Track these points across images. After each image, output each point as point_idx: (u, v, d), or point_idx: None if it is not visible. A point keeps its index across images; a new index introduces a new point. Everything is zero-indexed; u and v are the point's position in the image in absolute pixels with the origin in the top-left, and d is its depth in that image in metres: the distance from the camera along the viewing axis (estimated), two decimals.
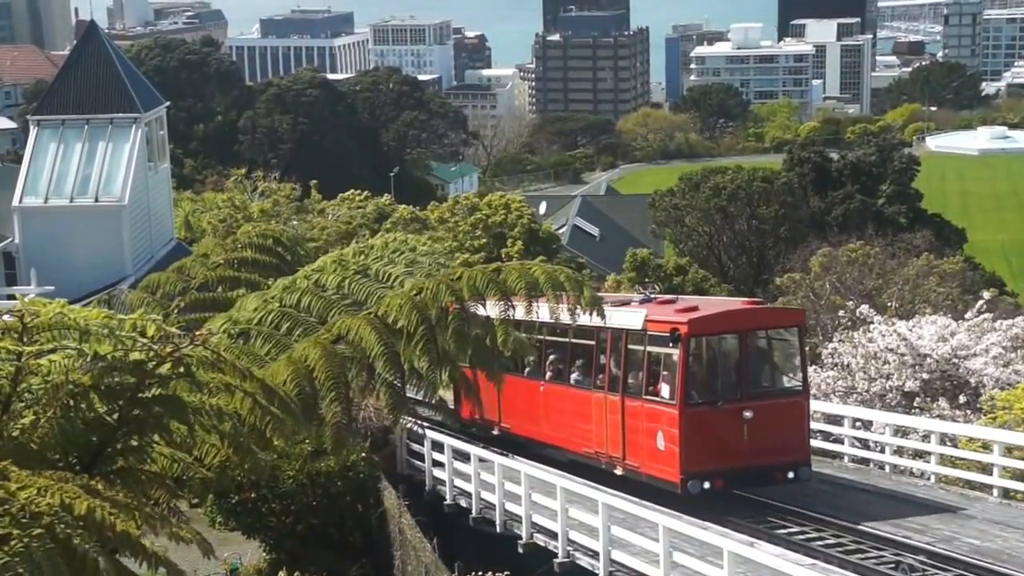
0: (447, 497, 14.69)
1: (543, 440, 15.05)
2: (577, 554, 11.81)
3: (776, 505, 12.35)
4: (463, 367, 15.99)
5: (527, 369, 15.24)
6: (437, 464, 15.05)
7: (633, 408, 13.05)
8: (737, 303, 15.28)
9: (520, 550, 12.66)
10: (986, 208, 78.92)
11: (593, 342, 13.84)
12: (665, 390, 12.60)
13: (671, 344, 12.33)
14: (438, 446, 14.94)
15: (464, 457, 14.33)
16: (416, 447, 15.74)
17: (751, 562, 9.72)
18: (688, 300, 15.25)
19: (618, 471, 13.24)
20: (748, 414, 12.38)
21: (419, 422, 15.17)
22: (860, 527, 11.50)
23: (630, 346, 13.19)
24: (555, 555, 12.00)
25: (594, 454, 13.75)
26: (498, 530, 13.35)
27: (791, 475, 12.58)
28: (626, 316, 13.29)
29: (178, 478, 6.29)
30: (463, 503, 14.41)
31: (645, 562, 10.75)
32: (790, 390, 13.08)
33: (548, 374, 14.90)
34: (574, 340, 14.34)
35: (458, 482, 14.53)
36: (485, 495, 13.81)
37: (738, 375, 12.77)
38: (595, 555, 11.41)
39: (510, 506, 13.16)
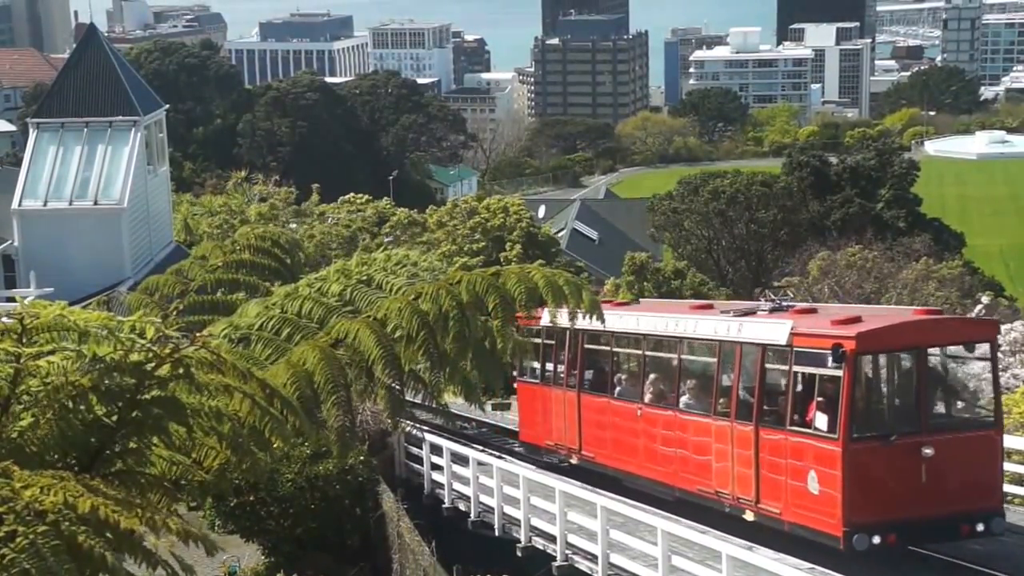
0: (446, 500, 14.65)
1: (640, 474, 12.83)
2: (576, 557, 11.78)
3: (963, 566, 10.04)
4: (524, 381, 15.23)
5: (617, 389, 13.33)
6: (436, 467, 15.03)
7: (773, 441, 10.70)
8: (909, 312, 12.35)
9: (519, 553, 12.64)
10: (984, 212, 79.00)
11: (714, 359, 11.68)
12: (821, 420, 10.19)
13: (832, 363, 9.93)
14: (436, 449, 14.92)
15: (462, 460, 14.31)
16: (414, 450, 15.72)
17: (750, 566, 9.69)
18: (838, 308, 13.12)
19: (748, 516, 11.06)
20: (928, 451, 9.98)
21: (417, 425, 15.16)
22: None
23: (768, 365, 10.93)
24: (554, 558, 11.98)
25: (714, 494, 11.51)
26: (497, 533, 13.32)
27: (980, 527, 10.17)
28: (763, 328, 11.01)
29: (176, 481, 6.29)
30: (462, 506, 14.38)
31: (644, 566, 10.74)
32: (980, 421, 10.69)
33: (649, 396, 12.72)
34: (687, 356, 12.24)
35: (457, 485, 14.50)
36: (484, 498, 13.77)
37: (916, 402, 10.37)
38: (594, 559, 11.39)
39: (509, 509, 13.13)
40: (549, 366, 14.95)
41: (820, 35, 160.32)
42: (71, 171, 23.24)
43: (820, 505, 10.17)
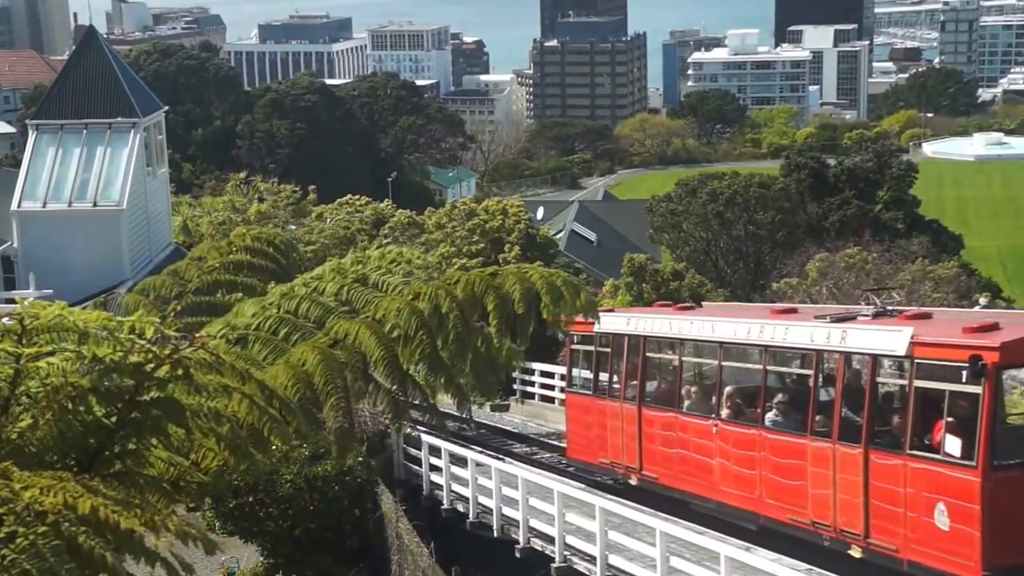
0: (444, 501, 14.65)
1: (714, 498, 11.52)
2: (574, 559, 11.78)
3: None
4: (575, 393, 13.90)
5: (687, 403, 11.99)
6: (434, 468, 15.04)
7: (887, 467, 9.31)
8: None
9: (517, 555, 12.65)
10: (982, 214, 79.11)
11: (809, 371, 10.39)
12: (953, 444, 8.80)
13: (969, 377, 8.60)
14: (435, 450, 14.93)
15: (461, 462, 14.32)
16: (413, 451, 15.73)
17: (748, 567, 9.69)
18: (956, 313, 11.86)
19: (854, 552, 9.69)
20: None
21: (417, 427, 15.15)
22: None
23: (881, 378, 9.68)
24: (552, 560, 11.97)
25: (809, 524, 10.17)
26: (495, 534, 13.30)
27: None
28: (876, 336, 9.62)
29: (175, 482, 6.31)
30: (460, 507, 14.37)
31: (642, 567, 10.74)
32: None
33: (726, 411, 11.36)
34: (775, 368, 10.95)
35: (455, 486, 14.49)
36: (482, 499, 13.76)
37: None
38: (592, 560, 11.39)
39: (507, 510, 13.12)
40: (604, 376, 13.50)
41: (818, 37, 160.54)
42: (70, 173, 23.26)
43: (951, 544, 8.72)
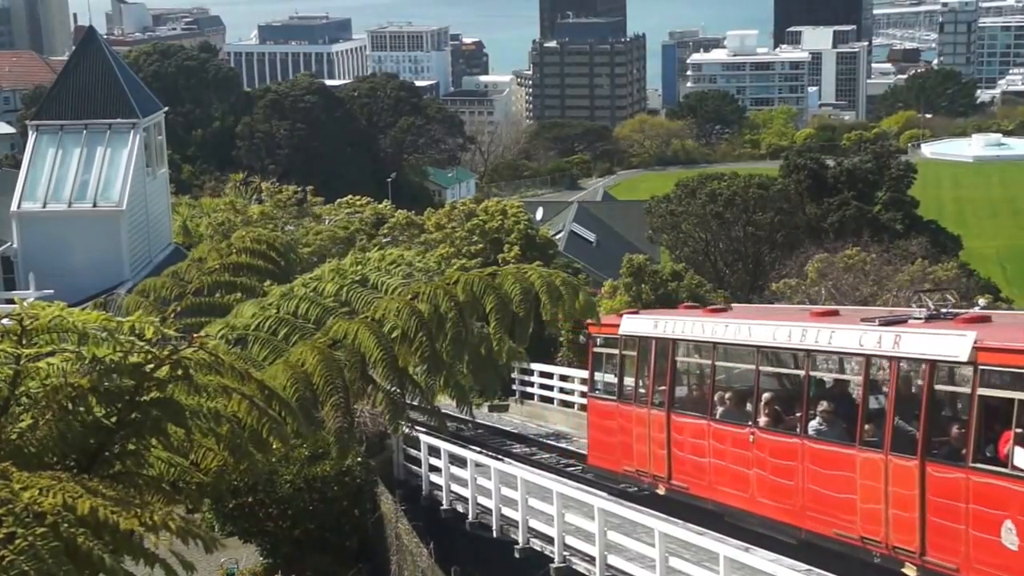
0: (444, 502, 14.64)
1: (751, 510, 11.01)
2: (573, 559, 11.78)
3: None
4: (597, 398, 13.27)
5: (720, 409, 11.45)
6: (434, 469, 15.04)
7: (947, 480, 8.79)
8: None
9: (516, 555, 12.66)
10: (981, 215, 79.15)
11: (859, 377, 9.83)
12: (1022, 457, 8.30)
13: None
14: (435, 451, 14.92)
15: (460, 462, 14.32)
16: (413, 452, 15.73)
17: (747, 567, 9.69)
18: (1011, 318, 11.20)
19: (909, 571, 9.14)
20: None
21: (416, 428, 15.15)
22: None
23: (939, 385, 9.09)
24: (551, 560, 11.97)
25: (857, 540, 9.66)
26: (495, 535, 13.31)
27: None
28: (933, 341, 9.06)
29: (175, 482, 6.31)
30: (460, 508, 14.38)
31: (641, 567, 10.74)
32: None
33: (764, 418, 10.83)
34: (818, 374, 10.44)
35: (455, 487, 14.49)
36: (482, 500, 13.76)
37: None
38: (591, 560, 11.39)
39: (507, 511, 13.12)
40: (630, 381, 12.95)
41: (817, 38, 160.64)
42: (70, 173, 23.26)
43: (1022, 564, 8.17)
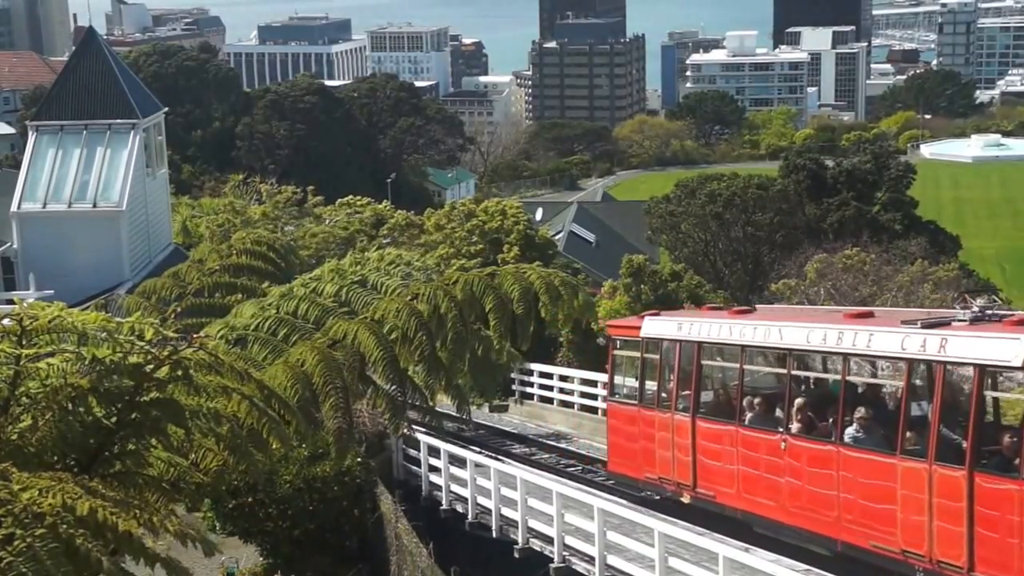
0: (443, 502, 14.65)
1: (782, 520, 10.58)
2: (573, 559, 11.79)
3: None
4: (617, 402, 12.68)
5: (749, 415, 11.01)
6: (433, 469, 15.04)
7: (998, 492, 8.36)
8: None
9: (516, 555, 12.66)
10: (980, 216, 79.18)
11: (901, 382, 9.42)
12: None
13: None
14: (434, 451, 14.92)
15: (460, 462, 14.33)
16: (412, 452, 15.74)
17: (746, 567, 9.69)
18: None
19: None
20: None
21: (416, 428, 15.16)
22: None
23: (990, 392, 8.81)
24: (551, 560, 11.97)
25: (899, 553, 9.20)
26: (494, 535, 13.31)
27: None
28: (983, 344, 8.66)
29: (175, 482, 6.32)
30: (459, 508, 14.38)
31: (641, 567, 10.75)
32: None
33: (797, 424, 10.38)
34: (855, 378, 10.03)
35: (454, 487, 14.49)
36: (481, 500, 13.76)
37: None
38: (591, 560, 11.40)
39: (506, 511, 13.12)
40: (652, 385, 12.56)
41: (816, 39, 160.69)
42: (70, 174, 23.27)
43: None
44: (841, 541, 9.88)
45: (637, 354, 12.86)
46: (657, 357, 12.52)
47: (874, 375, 10.12)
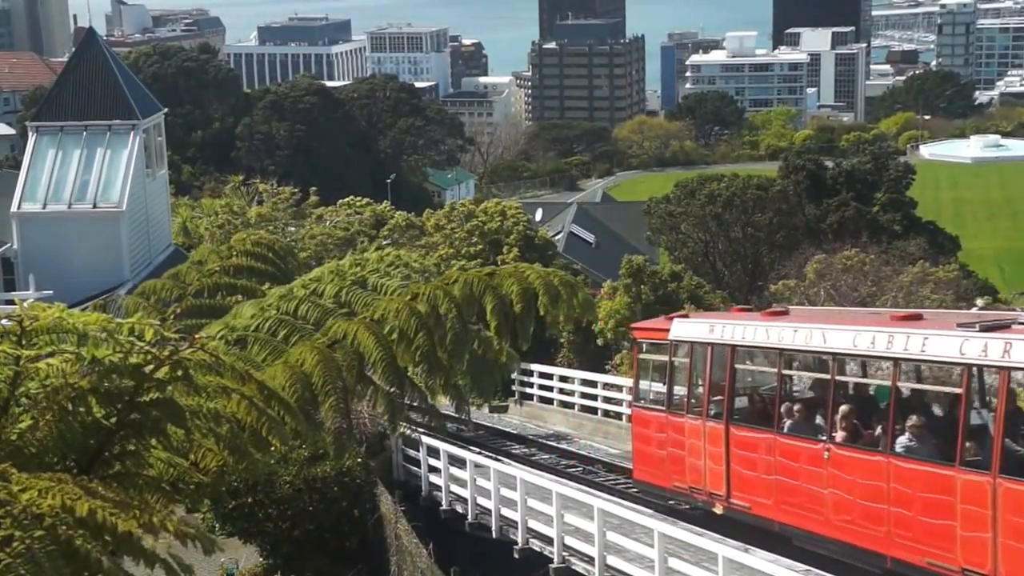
0: (443, 502, 14.67)
1: (826, 533, 10.05)
2: (573, 559, 11.80)
3: None
4: (643, 408, 12.10)
5: (788, 422, 10.48)
6: (433, 469, 15.05)
7: None
8: None
9: (516, 555, 12.68)
10: (979, 216, 79.21)
11: (960, 389, 8.85)
12: None
13: None
14: (434, 451, 14.93)
15: (460, 463, 14.34)
16: (412, 452, 15.75)
17: (746, 567, 9.70)
18: None
19: None
20: None
21: (415, 428, 15.17)
22: None
23: None
24: (551, 560, 11.99)
25: (959, 572, 8.71)
26: (494, 535, 13.33)
27: None
28: None
29: (174, 483, 6.33)
30: (459, 508, 14.40)
31: (640, 567, 10.76)
32: None
33: (842, 433, 9.87)
34: (907, 384, 9.55)
35: (454, 487, 14.51)
36: (481, 500, 13.78)
37: None
38: (591, 560, 11.41)
39: (506, 511, 13.13)
40: (681, 390, 12.03)
41: (816, 39, 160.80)
42: (70, 174, 23.28)
43: None
44: (891, 557, 9.37)
45: (665, 358, 12.37)
46: (687, 361, 12.00)
47: (928, 381, 9.66)
